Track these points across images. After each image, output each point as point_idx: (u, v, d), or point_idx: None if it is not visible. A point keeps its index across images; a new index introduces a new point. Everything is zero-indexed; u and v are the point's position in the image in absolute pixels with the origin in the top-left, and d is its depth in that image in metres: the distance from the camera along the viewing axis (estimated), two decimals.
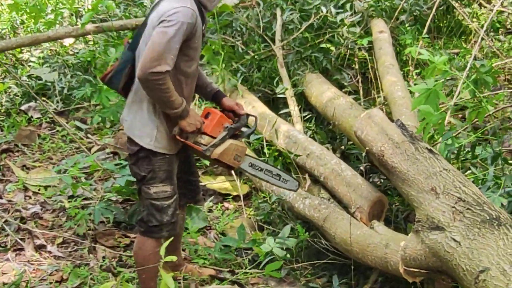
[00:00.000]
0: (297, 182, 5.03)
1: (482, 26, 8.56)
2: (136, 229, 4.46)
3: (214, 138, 4.26)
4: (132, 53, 4.18)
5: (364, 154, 4.85)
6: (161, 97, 3.91)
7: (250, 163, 4.64)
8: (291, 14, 7.70)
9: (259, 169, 4.72)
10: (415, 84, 7.27)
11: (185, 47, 3.93)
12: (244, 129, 4.48)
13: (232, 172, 6.26)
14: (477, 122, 6.13)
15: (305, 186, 5.64)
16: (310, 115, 6.89)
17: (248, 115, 4.51)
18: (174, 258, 3.71)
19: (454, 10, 9.03)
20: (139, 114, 4.12)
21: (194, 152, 4.44)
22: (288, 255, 5.05)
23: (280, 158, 5.96)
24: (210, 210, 6.10)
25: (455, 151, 5.17)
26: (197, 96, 6.51)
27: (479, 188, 4.49)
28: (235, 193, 6.28)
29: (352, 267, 4.51)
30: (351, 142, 6.17)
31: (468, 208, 3.58)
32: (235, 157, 4.36)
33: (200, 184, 4.94)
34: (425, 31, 8.17)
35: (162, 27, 3.81)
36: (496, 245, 3.24)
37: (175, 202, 4.29)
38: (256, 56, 7.44)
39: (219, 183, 6.43)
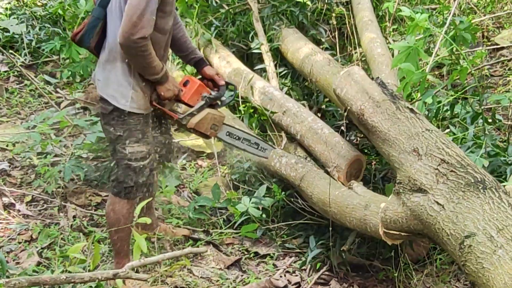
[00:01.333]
0: (277, 150, 5.15)
1: None
2: (109, 189, 4.35)
3: (192, 106, 4.25)
4: (103, 9, 4.04)
5: (341, 111, 4.78)
6: (143, 63, 3.86)
7: (228, 132, 4.62)
8: None
9: (237, 138, 4.70)
10: (393, 41, 7.21)
11: (161, 2, 3.83)
12: (223, 98, 4.45)
13: None
14: (456, 80, 6.09)
15: (281, 144, 5.56)
16: (285, 71, 6.79)
17: (228, 84, 4.49)
18: (148, 220, 3.67)
19: None
20: (113, 74, 4.01)
21: (170, 119, 4.41)
22: (263, 215, 5.01)
23: (255, 115, 5.86)
24: (183, 168, 6.04)
25: (434, 110, 5.13)
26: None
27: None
28: (209, 151, 6.21)
29: (330, 228, 4.44)
30: (328, 99, 6.09)
31: (452, 171, 3.52)
32: (212, 127, 4.36)
33: (174, 142, 4.84)
34: None
35: None
36: (482, 210, 3.18)
37: (151, 163, 4.22)
38: (231, 10, 7.31)
39: (192, 140, 6.33)
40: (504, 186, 3.67)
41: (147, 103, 4.08)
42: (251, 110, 5.92)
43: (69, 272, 3.75)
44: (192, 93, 4.24)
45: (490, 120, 5.31)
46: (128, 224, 4.21)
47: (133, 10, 3.67)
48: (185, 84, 4.28)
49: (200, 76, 4.50)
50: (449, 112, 5.24)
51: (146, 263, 3.35)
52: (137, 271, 4.21)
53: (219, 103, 4.45)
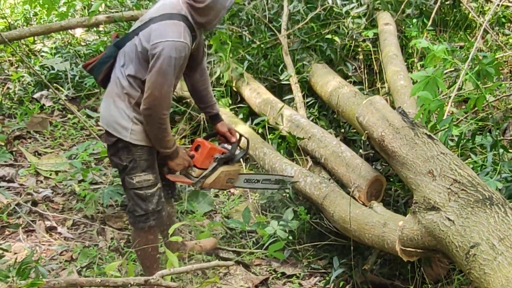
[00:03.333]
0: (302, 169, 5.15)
1: (489, 21, 8.65)
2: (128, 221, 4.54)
3: (205, 169, 4.41)
4: (117, 49, 4.23)
5: (364, 139, 4.96)
6: (159, 134, 4.08)
7: (245, 179, 4.77)
8: (298, 4, 7.83)
9: (255, 181, 4.87)
10: None
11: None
12: (236, 152, 4.59)
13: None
14: (480, 113, 6.23)
15: (307, 166, 5.75)
16: (312, 101, 7.04)
17: (241, 136, 4.66)
18: (179, 238, 3.80)
19: (461, 4, 9.12)
20: (115, 107, 4.16)
21: (190, 185, 4.59)
22: (290, 237, 5.15)
23: (283, 143, 6.07)
24: (216, 195, 6.20)
25: (455, 139, 5.29)
26: None
27: (478, 174, 4.61)
28: None
29: (352, 248, 4.60)
30: (354, 130, 6.29)
31: (462, 189, 3.67)
32: (227, 181, 4.53)
33: None
34: (429, 23, 8.26)
35: (156, 65, 3.89)
36: (487, 223, 3.33)
37: (159, 190, 4.34)
38: (262, 45, 7.54)
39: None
40: None
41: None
42: (279, 140, 6.13)
43: None
44: (203, 158, 4.40)
45: (510, 150, 5.46)
46: (154, 250, 4.39)
47: (154, 85, 3.90)
48: (196, 148, 4.43)
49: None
50: (470, 141, 5.39)
51: (175, 272, 3.49)
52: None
53: (234, 157, 4.56)
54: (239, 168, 4.63)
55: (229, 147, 4.59)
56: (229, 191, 6.28)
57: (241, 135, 4.66)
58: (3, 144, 6.61)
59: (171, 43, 3.87)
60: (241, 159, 5.34)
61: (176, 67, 3.93)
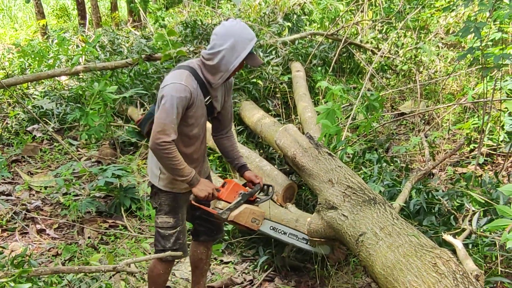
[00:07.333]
0: (329, 247, 4.51)
1: (374, 68, 8.89)
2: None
3: (230, 203, 3.87)
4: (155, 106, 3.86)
5: (280, 157, 5.00)
6: (170, 164, 3.56)
7: (272, 226, 4.24)
8: None
9: (282, 232, 4.30)
10: None
11: (184, 115, 3.61)
12: (262, 197, 4.04)
13: None
14: (369, 136, 6.39)
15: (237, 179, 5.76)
16: (242, 129, 7.10)
17: (267, 185, 4.08)
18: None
19: (354, 55, 9.33)
20: (151, 157, 3.85)
21: (215, 217, 3.93)
22: (225, 235, 5.14)
23: (218, 163, 6.14)
24: None
25: (351, 156, 5.40)
26: None
27: (367, 182, 4.73)
28: None
29: (272, 240, 4.63)
30: (274, 150, 6.35)
31: (354, 193, 3.79)
32: (252, 220, 3.93)
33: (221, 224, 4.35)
34: (330, 70, 8.46)
35: (161, 103, 3.50)
36: (372, 217, 3.44)
37: (178, 233, 3.92)
38: None
39: None
40: (391, 203, 3.95)
41: (176, 183, 3.80)
42: (217, 161, 6.19)
43: None
44: (228, 192, 3.87)
45: (391, 163, 5.61)
46: (163, 283, 4.04)
47: (158, 121, 3.48)
48: (223, 185, 3.91)
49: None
50: (361, 157, 5.53)
51: (137, 260, 3.47)
52: None
53: (259, 200, 4.01)
54: (263, 212, 4.03)
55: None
56: None
57: (266, 184, 4.11)
58: (4, 166, 6.49)
59: (172, 85, 3.49)
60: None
61: (178, 105, 3.47)
